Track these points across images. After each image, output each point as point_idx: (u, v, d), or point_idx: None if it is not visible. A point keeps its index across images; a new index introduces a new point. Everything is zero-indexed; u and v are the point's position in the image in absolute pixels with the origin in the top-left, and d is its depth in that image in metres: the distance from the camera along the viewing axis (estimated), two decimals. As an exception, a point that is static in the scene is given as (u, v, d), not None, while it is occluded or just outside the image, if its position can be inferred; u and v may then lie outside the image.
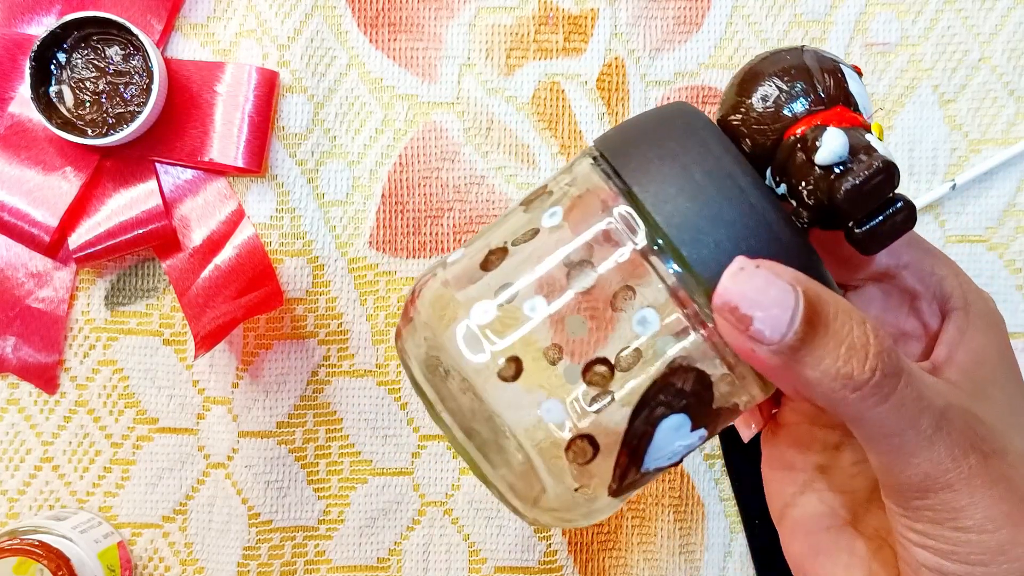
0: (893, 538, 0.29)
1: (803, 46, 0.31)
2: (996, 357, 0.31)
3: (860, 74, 0.31)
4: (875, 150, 0.28)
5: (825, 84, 0.30)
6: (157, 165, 0.48)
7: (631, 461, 0.29)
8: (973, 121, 0.50)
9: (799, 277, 0.26)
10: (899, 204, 0.28)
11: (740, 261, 0.26)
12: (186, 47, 0.49)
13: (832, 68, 0.30)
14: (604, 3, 0.49)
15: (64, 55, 0.46)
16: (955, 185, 0.50)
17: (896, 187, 0.28)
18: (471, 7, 0.50)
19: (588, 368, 0.28)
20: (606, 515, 0.31)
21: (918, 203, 0.50)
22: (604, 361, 0.28)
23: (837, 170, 0.28)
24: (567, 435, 0.28)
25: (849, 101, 0.30)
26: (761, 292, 0.25)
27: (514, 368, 0.28)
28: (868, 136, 0.29)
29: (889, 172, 0.27)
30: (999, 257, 0.51)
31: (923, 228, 0.50)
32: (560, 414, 0.28)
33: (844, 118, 0.29)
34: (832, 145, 0.28)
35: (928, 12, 0.50)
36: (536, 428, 0.28)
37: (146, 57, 0.46)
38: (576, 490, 0.29)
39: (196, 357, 0.45)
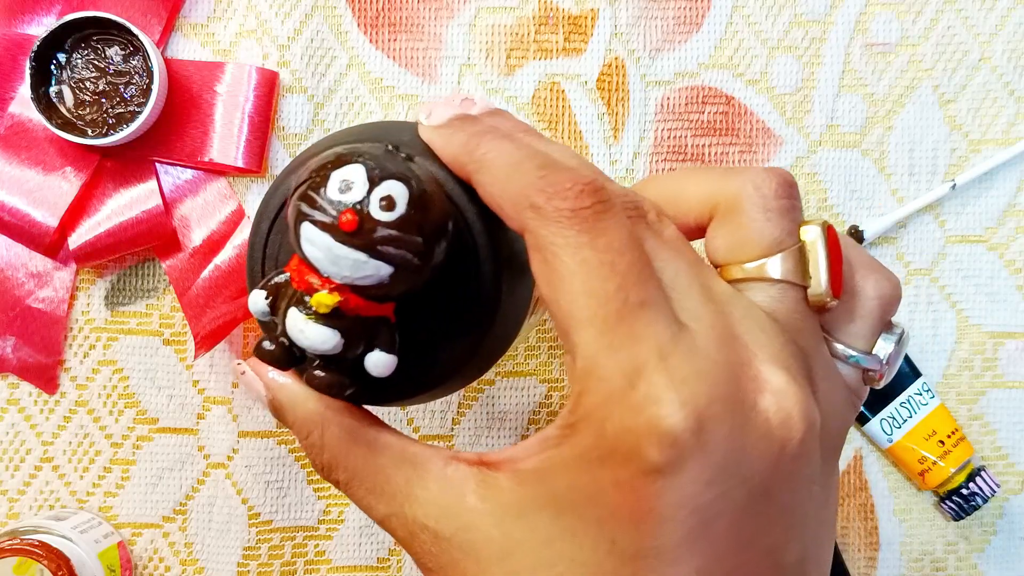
0: None
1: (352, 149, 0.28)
2: None
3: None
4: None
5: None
6: (157, 165, 0.48)
7: None
8: (973, 121, 0.50)
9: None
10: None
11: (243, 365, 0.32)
12: (186, 47, 0.49)
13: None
14: (604, 3, 0.49)
15: (64, 55, 0.46)
16: (955, 185, 0.50)
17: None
18: (471, 7, 0.50)
19: None
20: None
21: (918, 203, 0.50)
22: None
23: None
24: None
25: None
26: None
27: None
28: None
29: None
30: (999, 257, 0.51)
31: (923, 228, 0.50)
32: None
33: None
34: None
35: (928, 12, 0.50)
36: None
37: (146, 57, 0.46)
38: None
39: (196, 357, 0.45)
